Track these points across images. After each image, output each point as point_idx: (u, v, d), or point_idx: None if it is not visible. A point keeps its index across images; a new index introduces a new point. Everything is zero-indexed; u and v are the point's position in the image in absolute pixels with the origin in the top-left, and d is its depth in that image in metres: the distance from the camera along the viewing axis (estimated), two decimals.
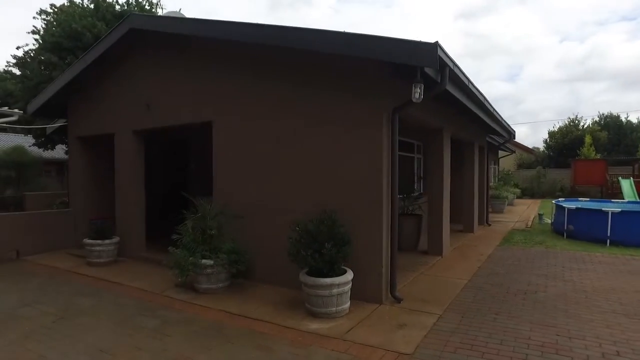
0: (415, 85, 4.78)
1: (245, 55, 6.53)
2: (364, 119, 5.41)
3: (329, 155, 5.69)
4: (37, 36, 18.77)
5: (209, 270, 5.71)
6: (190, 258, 5.71)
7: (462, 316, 4.92)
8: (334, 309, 4.83)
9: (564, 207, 10.97)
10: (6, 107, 10.66)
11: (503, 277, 6.68)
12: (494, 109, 8.79)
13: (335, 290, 4.78)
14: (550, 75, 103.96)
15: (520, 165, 31.19)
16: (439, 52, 4.51)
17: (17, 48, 33.59)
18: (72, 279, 6.88)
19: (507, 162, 29.54)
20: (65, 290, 6.20)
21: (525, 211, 18.52)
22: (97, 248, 7.62)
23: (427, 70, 4.78)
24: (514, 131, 13.24)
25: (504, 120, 10.75)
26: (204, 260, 5.69)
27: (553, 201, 12.88)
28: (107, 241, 7.70)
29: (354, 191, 5.50)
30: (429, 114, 7.05)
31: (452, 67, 5.15)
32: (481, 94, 7.18)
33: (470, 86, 6.30)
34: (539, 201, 24.43)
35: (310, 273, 4.93)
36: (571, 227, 10.58)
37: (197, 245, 5.85)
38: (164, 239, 10.27)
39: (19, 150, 18.49)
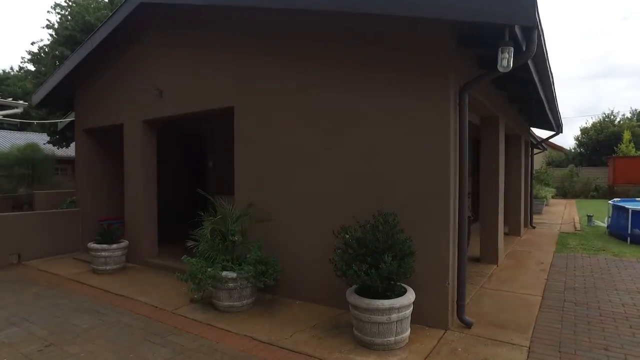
0: (502, 49, 3.65)
1: (272, 28, 5.49)
2: (426, 99, 4.32)
3: (381, 146, 4.61)
4: (51, 31, 18.22)
5: (231, 285, 4.70)
6: (209, 269, 4.71)
7: (559, 350, 3.78)
8: (393, 338, 3.76)
9: (626, 209, 9.66)
10: (10, 98, 9.91)
11: (584, 294, 5.50)
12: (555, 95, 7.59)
13: (394, 316, 3.70)
14: (569, 72, 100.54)
15: (549, 164, 29.54)
16: (537, 7, 3.40)
17: (32, 44, 33.40)
18: (73, 289, 5.95)
19: (535, 160, 27.98)
20: (63, 304, 5.26)
21: (564, 212, 17.15)
22: (103, 254, 6.69)
23: (517, 30, 3.65)
24: (562, 124, 11.94)
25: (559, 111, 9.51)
26: (225, 273, 4.68)
27: (610, 202, 11.54)
28: (114, 246, 6.76)
29: (411, 188, 4.41)
30: (487, 97, 5.91)
31: (540, 31, 4.03)
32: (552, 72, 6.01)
33: (548, 61, 5.15)
34: (573, 201, 22.93)
35: (361, 291, 3.87)
36: (637, 230, 9.27)
37: (217, 253, 4.84)
38: (177, 243, 9.28)
39: (31, 147, 17.86)
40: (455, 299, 4.41)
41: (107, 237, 6.84)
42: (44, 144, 18.78)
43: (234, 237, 4.76)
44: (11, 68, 38.52)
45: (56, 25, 17.72)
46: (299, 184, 5.22)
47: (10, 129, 23.77)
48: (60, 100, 9.03)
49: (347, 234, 3.83)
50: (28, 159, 17.80)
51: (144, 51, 7.27)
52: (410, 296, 3.88)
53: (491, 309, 4.93)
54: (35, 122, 18.10)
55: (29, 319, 4.72)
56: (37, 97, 8.69)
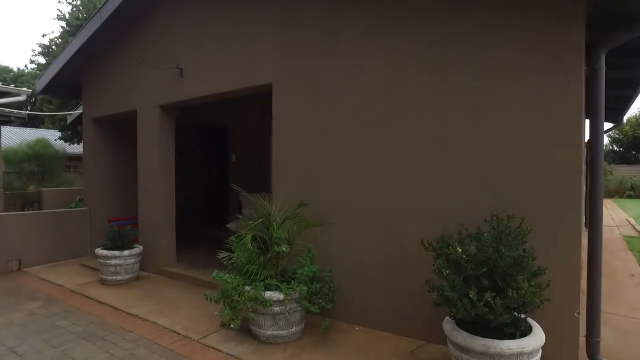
0: None
1: None
2: (554, 58, 3.16)
3: (478, 129, 3.46)
4: (62, 22, 17.41)
5: (276, 309, 3.59)
6: (248, 289, 3.61)
7: None
8: None
9: None
10: (13, 85, 9.00)
11: None
12: None
13: None
14: None
15: None
16: None
17: (43, 36, 32.68)
18: (77, 306, 4.91)
19: None
20: (63, 328, 4.21)
21: (610, 213, 15.77)
22: (113, 262, 5.64)
23: None
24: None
25: None
26: (269, 294, 3.57)
27: None
28: (126, 252, 5.72)
29: (523, 185, 3.26)
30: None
31: None
32: None
33: None
34: (609, 200, 21.43)
35: (465, 323, 2.73)
36: None
37: (257, 268, 3.73)
38: (197, 248, 7.95)
39: (41, 143, 17.08)
40: (585, 334, 3.24)
41: (118, 242, 5.80)
42: (55, 140, 18.03)
43: (280, 247, 3.64)
44: (25, 66, 38.17)
45: (67, 16, 16.94)
46: (362, 179, 4.09)
47: (19, 124, 23.07)
48: (66, 86, 8.03)
49: (458, 247, 2.66)
50: (38, 155, 17.04)
51: (162, 24, 6.21)
52: (541, 335, 2.72)
53: (614, 340, 3.75)
54: (40, 114, 17.28)
55: (16, 350, 3.68)
56: (41, 82, 7.71)
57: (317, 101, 4.44)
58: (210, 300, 3.85)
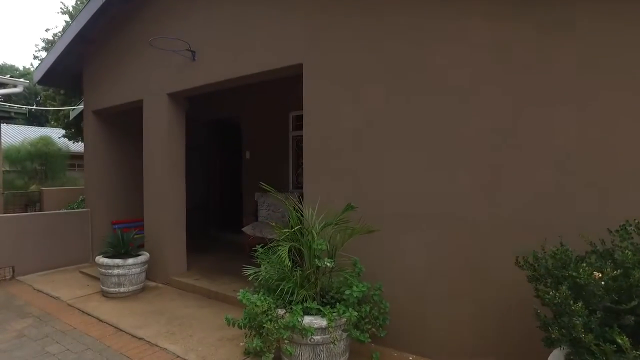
0: None
1: None
2: None
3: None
4: (66, 16, 16.80)
5: (318, 338, 2.85)
6: (281, 312, 2.88)
7: None
8: None
9: None
10: (8, 75, 8.36)
11: None
12: None
13: None
14: None
15: None
16: None
17: (46, 30, 32.03)
18: (73, 325, 4.19)
19: None
20: (54, 354, 3.50)
21: None
22: (116, 272, 4.93)
23: None
24: None
25: None
26: (309, 319, 2.83)
27: None
28: (130, 261, 5.00)
29: None
30: None
31: None
32: None
33: None
34: None
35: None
36: None
37: (294, 286, 2.99)
38: (209, 253, 7.14)
39: (44, 141, 16.47)
40: None
41: (121, 248, 5.09)
42: (59, 137, 17.43)
43: (323, 262, 2.89)
44: (31, 64, 37.75)
45: (71, 9, 16.37)
46: (425, 175, 3.33)
47: (23, 122, 22.54)
48: (66, 76, 7.34)
49: (591, 270, 1.90)
50: (41, 153, 16.45)
51: (170, 2, 5.49)
52: None
53: None
54: (43, 109, 16.68)
55: None
56: (39, 71, 7.03)
57: (360, 84, 3.69)
58: (233, 325, 3.12)
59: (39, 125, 25.78)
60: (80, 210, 7.09)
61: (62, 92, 13.53)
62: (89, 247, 6.95)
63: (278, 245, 3.05)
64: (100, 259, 5.00)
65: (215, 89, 5.32)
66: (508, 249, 2.71)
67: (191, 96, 5.74)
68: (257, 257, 3.35)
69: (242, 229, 6.35)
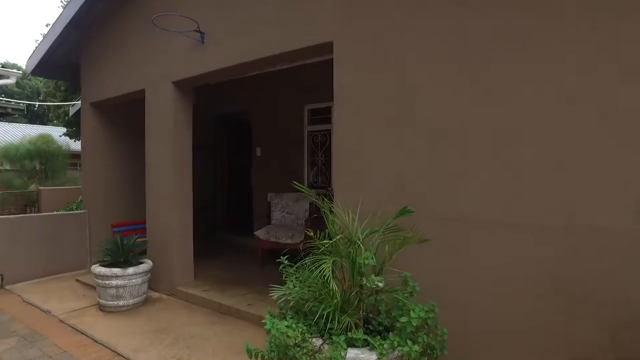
0: None
1: None
2: None
3: None
4: None
5: None
6: (318, 343, 2.27)
7: None
8: None
9: None
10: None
11: None
12: None
13: None
14: None
15: None
16: None
17: (47, 25, 31.87)
18: (63, 347, 3.61)
19: None
20: None
21: None
22: (114, 282, 4.34)
23: None
24: None
25: None
26: (353, 353, 2.22)
27: None
28: (130, 270, 4.41)
29: None
30: None
31: None
32: None
33: None
34: None
35: None
36: None
37: (334, 310, 2.37)
38: (220, 258, 6.54)
39: (44, 138, 15.91)
40: None
41: (120, 256, 4.50)
42: (60, 136, 16.91)
43: (372, 282, 2.27)
44: None
45: None
46: (484, 176, 2.73)
47: (24, 119, 22.07)
48: (62, 67, 6.75)
49: None
50: (40, 151, 15.89)
51: None
52: None
53: None
54: (44, 104, 16.15)
55: None
56: (33, 60, 6.44)
57: (403, 62, 3.08)
58: (256, 357, 2.52)
59: (42, 124, 25.29)
60: (77, 211, 6.51)
61: (62, 88, 12.97)
62: (86, 252, 6.37)
63: (317, 260, 2.42)
64: (97, 269, 4.41)
65: (227, 77, 4.73)
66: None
67: (199, 85, 5.15)
68: (283, 273, 2.73)
69: (255, 232, 5.76)
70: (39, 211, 10.44)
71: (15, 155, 15.43)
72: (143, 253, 5.08)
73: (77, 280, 5.66)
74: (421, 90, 2.99)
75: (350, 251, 2.45)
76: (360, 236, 2.52)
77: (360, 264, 2.35)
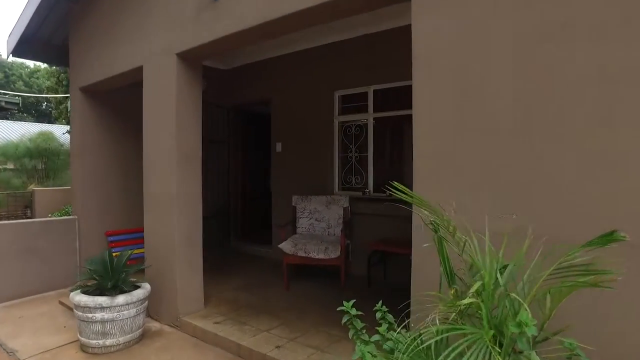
0: None
1: None
2: None
3: None
4: None
5: None
6: None
7: None
8: None
9: None
10: None
11: None
12: None
13: None
14: None
15: None
16: None
17: None
18: None
19: None
20: None
21: None
22: (99, 316, 3.26)
23: None
24: None
25: None
26: None
27: None
28: (120, 299, 3.32)
29: None
30: None
31: None
32: None
33: None
34: None
35: None
36: None
37: None
38: (234, 275, 5.32)
39: (44, 136, 15.00)
40: None
41: (107, 280, 3.41)
42: (63, 134, 16.03)
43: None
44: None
45: None
46: None
47: (29, 118, 21.28)
48: (48, 46, 5.75)
49: None
50: (40, 150, 14.98)
51: None
52: None
53: None
54: (45, 96, 15.26)
55: None
56: (13, 37, 5.42)
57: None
58: None
59: (49, 123, 24.52)
60: (64, 217, 5.46)
61: (65, 83, 12.06)
62: (75, 266, 5.31)
63: (450, 329, 1.29)
64: (76, 297, 3.33)
65: (247, 42, 3.63)
66: None
67: (212, 74, 4.07)
68: (351, 329, 1.62)
69: (279, 245, 4.66)
70: (32, 214, 9.47)
71: (14, 154, 14.56)
72: (141, 272, 4.02)
73: (61, 303, 4.61)
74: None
75: (489, 305, 1.32)
76: (525, 286, 1.38)
77: (515, 327, 1.22)
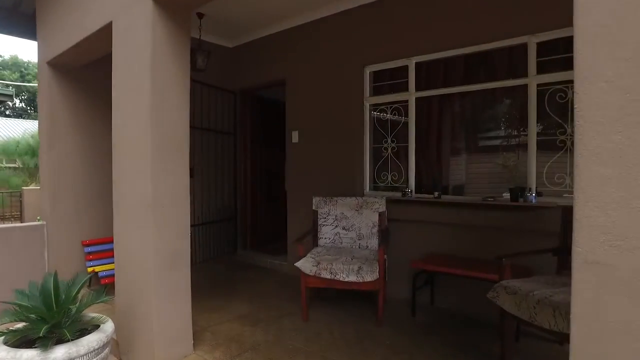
0: None
1: None
2: None
3: None
4: None
5: None
6: None
7: None
8: None
9: None
10: None
11: None
12: None
13: None
14: None
15: None
16: None
17: None
18: None
19: None
20: None
21: None
22: None
23: None
24: None
25: None
26: None
27: None
28: (59, 353, 2.21)
29: None
30: None
31: None
32: None
33: None
34: None
35: None
36: None
37: None
38: (240, 293, 4.02)
39: None
40: None
41: (46, 320, 2.31)
42: None
43: None
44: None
45: None
46: None
47: (34, 116, 20.67)
48: (15, 13, 4.73)
49: None
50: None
51: None
52: None
53: None
54: (22, 85, 14.51)
55: None
56: None
57: None
58: None
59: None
60: (29, 224, 4.42)
61: None
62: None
63: None
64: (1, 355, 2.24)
65: None
66: None
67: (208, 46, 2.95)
68: None
69: (297, 264, 3.50)
70: (21, 217, 8.57)
71: (15, 151, 13.83)
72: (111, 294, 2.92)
73: None
74: None
75: None
76: None
77: None
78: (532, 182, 3.52)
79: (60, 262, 4.25)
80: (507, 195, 3.59)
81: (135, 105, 2.82)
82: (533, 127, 3.50)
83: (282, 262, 5.30)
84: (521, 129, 3.70)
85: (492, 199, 3.64)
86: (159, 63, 2.72)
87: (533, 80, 3.48)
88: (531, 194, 3.40)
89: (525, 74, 3.52)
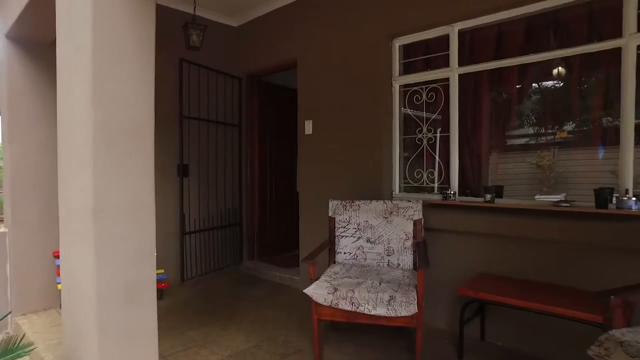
0: None
1: None
2: None
3: None
4: None
5: None
6: None
7: None
8: None
9: None
10: None
11: None
12: None
13: None
14: None
15: None
16: None
17: None
18: None
19: None
20: None
21: None
22: None
23: None
24: None
25: None
26: None
27: None
28: None
29: None
30: None
31: None
32: None
33: None
34: None
35: None
36: None
37: None
38: (241, 318, 3.07)
39: None
40: None
41: None
42: None
43: None
44: None
45: None
46: None
47: None
48: None
49: None
50: None
51: None
52: None
53: None
54: None
55: None
56: None
57: None
58: None
59: None
60: None
61: None
62: (5, 303, 3.56)
63: None
64: None
65: None
66: None
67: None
68: None
69: (306, 291, 2.62)
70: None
71: None
72: None
73: None
74: None
75: None
76: None
77: None
78: (628, 183, 2.57)
79: (26, 277, 3.54)
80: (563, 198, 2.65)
81: (77, 70, 2.01)
82: (630, 107, 2.55)
83: (293, 277, 4.47)
84: (607, 112, 2.75)
85: (567, 204, 2.71)
86: (106, 6, 1.90)
87: (632, 41, 2.53)
88: (629, 198, 2.46)
89: (619, 34, 2.57)
